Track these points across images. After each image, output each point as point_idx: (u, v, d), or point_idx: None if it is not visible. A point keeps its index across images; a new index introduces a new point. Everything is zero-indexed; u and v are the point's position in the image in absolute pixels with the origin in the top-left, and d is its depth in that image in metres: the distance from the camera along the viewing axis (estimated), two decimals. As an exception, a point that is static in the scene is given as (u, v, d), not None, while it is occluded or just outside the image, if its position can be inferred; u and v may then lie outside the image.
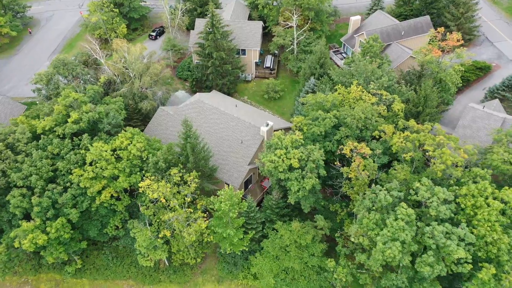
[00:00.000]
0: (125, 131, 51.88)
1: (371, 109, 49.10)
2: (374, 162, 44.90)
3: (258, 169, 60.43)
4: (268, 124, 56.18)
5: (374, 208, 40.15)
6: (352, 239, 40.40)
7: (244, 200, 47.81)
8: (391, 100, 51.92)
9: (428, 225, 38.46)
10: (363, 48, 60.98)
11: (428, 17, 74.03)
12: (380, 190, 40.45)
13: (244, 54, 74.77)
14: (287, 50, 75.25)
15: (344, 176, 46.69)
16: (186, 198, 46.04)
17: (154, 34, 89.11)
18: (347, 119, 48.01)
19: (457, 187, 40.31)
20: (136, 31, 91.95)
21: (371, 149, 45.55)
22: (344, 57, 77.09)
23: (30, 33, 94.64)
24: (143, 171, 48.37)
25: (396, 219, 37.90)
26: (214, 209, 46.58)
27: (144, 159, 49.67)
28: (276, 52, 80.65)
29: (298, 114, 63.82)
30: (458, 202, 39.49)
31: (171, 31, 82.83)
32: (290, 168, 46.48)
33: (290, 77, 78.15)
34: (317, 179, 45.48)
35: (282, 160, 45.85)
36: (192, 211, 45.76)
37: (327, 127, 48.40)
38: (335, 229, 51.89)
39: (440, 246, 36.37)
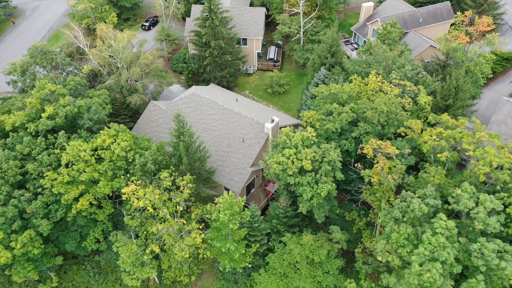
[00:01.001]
0: (109, 128, 44.79)
1: (395, 101, 42.05)
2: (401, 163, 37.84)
3: (263, 171, 53.33)
4: (273, 120, 49.12)
5: (404, 219, 33.09)
6: (379, 258, 33.30)
7: (246, 209, 40.73)
8: (416, 92, 44.86)
9: (473, 241, 31.42)
10: (379, 35, 53.92)
11: (448, 3, 67.02)
12: (412, 198, 33.38)
13: (245, 43, 67.71)
14: (293, 40, 68.20)
15: (365, 181, 39.57)
16: (178, 207, 38.95)
17: (147, 24, 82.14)
18: (367, 113, 40.95)
19: (506, 194, 33.25)
20: (128, 21, 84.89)
21: (397, 148, 38.46)
22: (356, 48, 70.03)
23: (14, 24, 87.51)
24: (128, 174, 41.26)
25: (434, 234, 30.84)
26: (211, 219, 39.50)
27: (130, 160, 42.59)
28: (280, 42, 73.64)
29: (307, 110, 56.80)
30: (509, 212, 32.45)
31: (165, 20, 75.77)
32: (301, 171, 39.46)
33: (296, 70, 71.12)
34: (333, 184, 38.42)
35: (292, 161, 38.79)
36: (185, 222, 38.66)
37: (343, 123, 41.32)
38: (351, 241, 44.86)
39: (491, 267, 29.37)
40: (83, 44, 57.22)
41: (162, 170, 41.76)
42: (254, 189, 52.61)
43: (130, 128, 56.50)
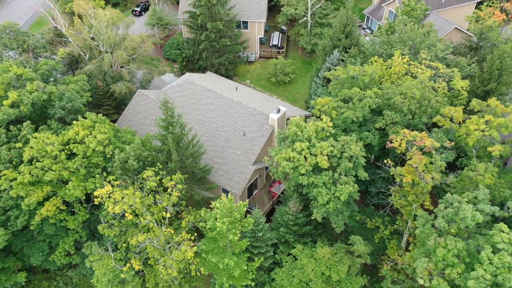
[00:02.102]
0: (85, 118, 37.58)
1: (428, 85, 34.87)
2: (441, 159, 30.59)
3: (267, 170, 46.11)
4: (279, 110, 41.93)
5: (451, 230, 25.85)
6: (421, 281, 25.99)
7: (249, 215, 33.51)
8: (450, 75, 37.66)
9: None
10: (402, 11, 46.69)
11: (473, -19, 59.82)
12: (459, 203, 26.14)
13: (246, 27, 60.44)
14: (299, 22, 60.95)
15: (393, 181, 32.36)
16: (165, 213, 31.69)
17: (138, 9, 74.76)
18: (395, 98, 33.73)
19: None
20: (118, 6, 77.39)
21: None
22: (371, 32, 62.80)
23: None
24: (105, 173, 34.03)
25: (495, 251, 23.65)
26: (206, 227, 32.25)
27: (109, 156, 35.36)
28: (284, 28, 66.44)
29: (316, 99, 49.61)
30: None
31: (158, 3, 68.53)
32: (315, 169, 32.28)
33: (302, 57, 63.91)
34: (355, 185, 31.22)
35: (304, 157, 31.56)
36: (173, 231, 31.31)
37: (365, 111, 34.11)
38: (372, 252, 37.65)
39: None
40: (61, 25, 49.94)
41: (147, 168, 34.56)
42: (256, 191, 45.38)
43: (114, 121, 49.31)
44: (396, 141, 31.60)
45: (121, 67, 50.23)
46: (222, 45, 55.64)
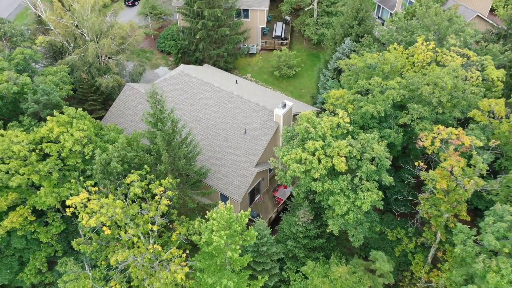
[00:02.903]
0: (63, 113, 32.55)
1: (461, 74, 29.89)
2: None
3: (271, 172, 41.13)
4: (285, 105, 36.94)
5: (505, 250, 20.83)
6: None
7: (251, 226, 28.48)
8: (482, 63, 32.71)
9: None
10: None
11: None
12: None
13: (246, 16, 55.37)
14: (305, 11, 55.95)
15: (428, 187, 27.34)
16: (151, 225, 26.57)
17: (131, -1, 69.73)
18: (422, 89, 28.74)
19: None
20: (109, -4, 72.37)
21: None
22: (383, 23, 57.76)
23: (-23, 0, 75.09)
24: (82, 178, 28.98)
25: None
26: (201, 241, 27.18)
27: (88, 157, 30.36)
28: (288, 18, 61.37)
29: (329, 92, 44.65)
30: None
31: (151, -8, 63.39)
32: (330, 173, 27.28)
33: (308, 49, 58.89)
34: (379, 192, 26.24)
35: (318, 159, 26.55)
36: (161, 248, 26.17)
37: (388, 104, 29.12)
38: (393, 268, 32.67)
39: None
40: (41, 11, 44.87)
41: (133, 171, 29.56)
42: (259, 196, 40.38)
43: (101, 117, 44.28)
44: (427, 139, 26.58)
45: (109, 58, 45.19)
46: (221, 34, 50.60)
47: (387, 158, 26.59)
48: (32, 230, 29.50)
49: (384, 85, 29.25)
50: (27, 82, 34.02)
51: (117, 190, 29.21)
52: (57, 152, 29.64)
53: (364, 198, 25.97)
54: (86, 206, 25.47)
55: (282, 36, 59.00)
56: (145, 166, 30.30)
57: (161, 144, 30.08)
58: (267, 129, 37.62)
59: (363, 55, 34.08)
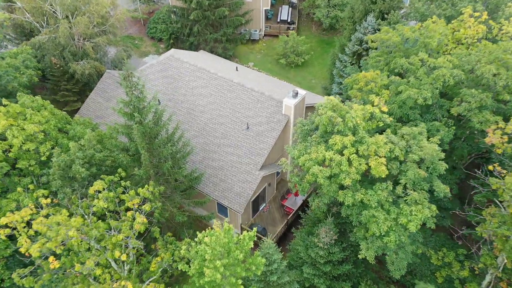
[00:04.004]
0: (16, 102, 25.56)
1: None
2: None
3: (278, 176, 34.21)
4: (297, 94, 30.00)
5: None
6: None
7: (257, 251, 21.42)
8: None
9: None
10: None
11: None
12: None
13: (248, -4, 48.39)
14: (316, -11, 49.05)
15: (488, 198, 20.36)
16: (118, 253, 19.48)
17: (119, -18, 62.67)
18: (483, 69, 21.75)
19: None
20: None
21: None
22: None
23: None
24: (32, 186, 21.95)
25: None
26: (189, 272, 20.11)
27: (44, 158, 23.36)
28: (295, 1, 54.41)
29: (339, 84, 37.74)
30: None
31: (141, -28, 56.43)
32: (362, 178, 20.30)
33: (318, 35, 51.96)
34: (432, 207, 19.27)
35: (348, 159, 19.57)
36: (129, 286, 18.92)
37: (436, 89, 22.15)
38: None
39: None
40: (5, -16, 37.87)
41: (103, 176, 22.54)
42: (264, 205, 33.38)
43: (76, 110, 37.37)
44: (494, 134, 19.61)
45: (84, 39, 38.16)
46: (219, 16, 43.62)
47: (441, 160, 19.59)
48: (-32, 254, 22.53)
49: (432, 63, 22.21)
50: (-26, 64, 27.04)
51: (82, 201, 22.24)
52: (3, 151, 22.63)
53: (411, 214, 18.98)
54: (31, 227, 18.45)
55: (289, 21, 52.02)
56: (119, 169, 23.34)
57: (139, 141, 23.09)
58: (275, 124, 30.65)
59: (395, 28, 27.08)
